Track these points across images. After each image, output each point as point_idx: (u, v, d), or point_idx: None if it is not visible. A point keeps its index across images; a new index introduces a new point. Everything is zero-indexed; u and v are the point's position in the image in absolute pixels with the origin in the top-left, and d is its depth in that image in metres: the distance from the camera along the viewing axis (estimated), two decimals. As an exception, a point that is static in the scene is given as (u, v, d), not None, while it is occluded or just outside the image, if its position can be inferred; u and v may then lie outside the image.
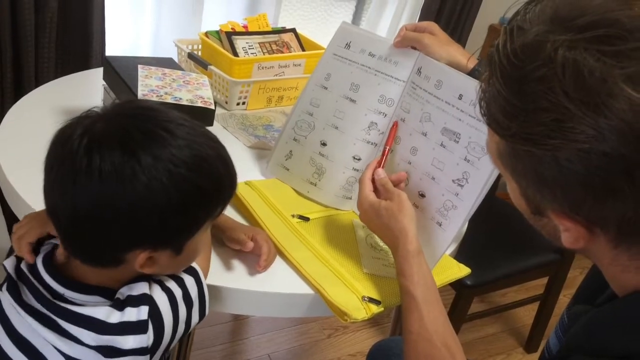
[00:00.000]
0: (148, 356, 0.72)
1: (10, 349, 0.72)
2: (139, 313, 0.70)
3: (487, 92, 0.59)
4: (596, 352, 0.60)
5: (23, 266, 0.76)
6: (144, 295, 0.72)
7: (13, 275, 0.74)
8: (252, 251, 0.93)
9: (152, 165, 0.65)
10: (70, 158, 0.65)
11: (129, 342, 0.69)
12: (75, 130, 0.66)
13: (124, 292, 0.73)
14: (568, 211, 0.58)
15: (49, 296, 0.72)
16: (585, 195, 0.55)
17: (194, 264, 0.81)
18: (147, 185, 0.64)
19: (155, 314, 0.72)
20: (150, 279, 0.75)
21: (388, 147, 1.07)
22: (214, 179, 0.71)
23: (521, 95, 0.55)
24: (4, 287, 0.75)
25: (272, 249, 0.96)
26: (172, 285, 0.76)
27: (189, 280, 0.79)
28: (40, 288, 0.73)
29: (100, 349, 0.69)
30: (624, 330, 0.60)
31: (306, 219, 1.08)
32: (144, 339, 0.70)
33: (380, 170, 1.01)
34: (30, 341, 0.72)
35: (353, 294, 0.92)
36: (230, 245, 0.96)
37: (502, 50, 0.56)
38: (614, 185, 0.53)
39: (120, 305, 0.71)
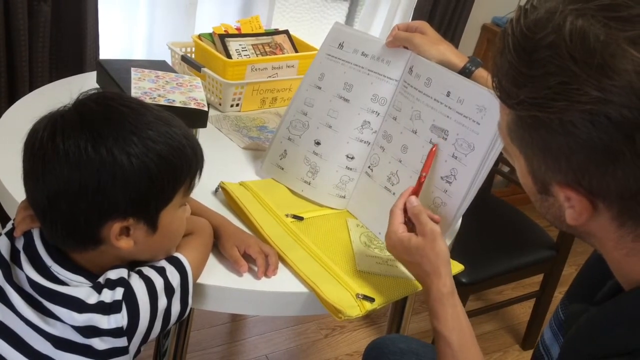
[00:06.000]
0: (125, 339, 0.74)
1: None
2: (114, 294, 0.74)
3: (499, 66, 0.60)
4: (602, 352, 0.60)
5: (18, 243, 0.79)
6: (121, 278, 0.76)
7: (7, 256, 0.78)
8: (248, 262, 0.93)
9: (113, 137, 0.70)
10: (38, 146, 0.72)
11: (104, 321, 0.73)
12: (41, 123, 0.74)
13: (104, 276, 0.77)
14: (571, 182, 0.59)
15: (34, 274, 0.75)
16: (588, 162, 0.56)
17: (179, 255, 0.83)
18: (109, 157, 0.70)
19: (129, 295, 0.75)
20: (130, 269, 0.79)
21: (425, 174, 1.00)
22: (176, 149, 0.75)
23: (530, 63, 0.56)
24: None
25: (270, 258, 0.94)
26: (151, 273, 0.79)
27: (169, 269, 0.80)
28: (28, 265, 0.76)
29: (80, 329, 0.73)
30: (633, 327, 0.59)
31: (300, 219, 1.08)
32: (119, 319, 0.73)
33: (413, 198, 0.93)
34: (8, 325, 0.76)
35: (347, 291, 0.92)
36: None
37: (515, 25, 0.58)
38: (615, 149, 0.54)
39: (99, 287, 0.75)
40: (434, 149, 1.01)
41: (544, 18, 0.56)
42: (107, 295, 0.74)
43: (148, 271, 0.79)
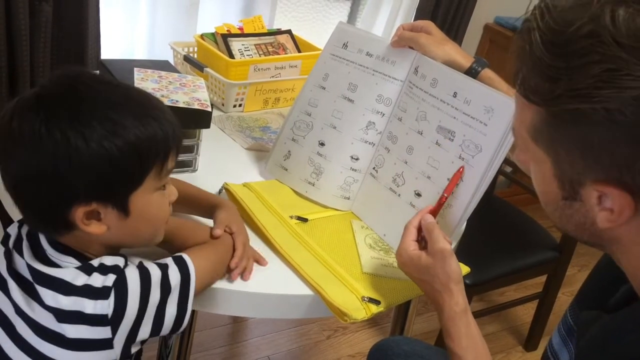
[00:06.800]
0: (109, 329, 0.71)
1: None
2: (105, 280, 0.72)
3: (521, 65, 0.58)
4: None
5: (23, 230, 0.79)
6: (116, 266, 0.74)
7: (11, 244, 0.78)
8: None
9: (68, 119, 0.68)
10: (0, 130, 0.70)
11: (90, 306, 0.71)
12: (6, 107, 0.71)
13: (99, 260, 0.74)
14: (612, 179, 0.56)
15: (31, 259, 0.74)
16: (634, 152, 0.54)
17: (187, 257, 0.80)
18: (63, 140, 0.67)
19: (120, 284, 0.72)
20: (130, 260, 0.77)
21: (446, 195, 0.97)
22: (141, 132, 0.71)
23: (567, 56, 0.54)
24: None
25: (247, 254, 0.92)
26: (150, 266, 0.76)
27: (172, 267, 0.78)
28: (28, 250, 0.76)
29: (62, 313, 0.71)
30: None
31: (304, 220, 1.07)
32: (105, 306, 0.71)
33: (429, 215, 0.91)
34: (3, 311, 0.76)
35: (353, 294, 0.92)
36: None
37: (540, 21, 0.56)
38: None
39: (89, 269, 0.73)
40: (460, 169, 0.98)
41: (574, 10, 0.54)
42: (98, 280, 0.72)
43: (148, 264, 0.76)
